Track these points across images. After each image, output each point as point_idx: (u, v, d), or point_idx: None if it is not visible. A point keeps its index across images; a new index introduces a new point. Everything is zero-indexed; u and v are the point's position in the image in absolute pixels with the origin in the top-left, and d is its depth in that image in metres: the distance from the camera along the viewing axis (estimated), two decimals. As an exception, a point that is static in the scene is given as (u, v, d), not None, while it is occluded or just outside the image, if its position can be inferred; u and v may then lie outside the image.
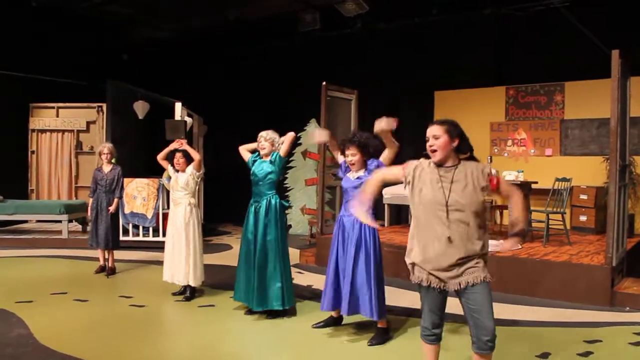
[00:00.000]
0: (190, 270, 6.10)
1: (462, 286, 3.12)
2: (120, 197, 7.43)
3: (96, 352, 4.38)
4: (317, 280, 6.83)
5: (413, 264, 3.26)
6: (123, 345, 4.62)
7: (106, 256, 7.41)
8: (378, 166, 4.77)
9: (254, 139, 5.61)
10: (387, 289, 4.94)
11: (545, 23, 9.41)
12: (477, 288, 3.11)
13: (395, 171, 3.38)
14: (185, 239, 6.12)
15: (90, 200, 7.37)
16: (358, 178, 4.80)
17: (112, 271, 7.39)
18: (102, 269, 7.40)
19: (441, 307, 3.28)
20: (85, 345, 4.55)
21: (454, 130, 3.14)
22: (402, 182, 3.31)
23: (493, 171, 3.20)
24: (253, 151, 5.65)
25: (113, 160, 7.42)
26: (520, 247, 3.29)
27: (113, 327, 5.11)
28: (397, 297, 6.12)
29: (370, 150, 4.84)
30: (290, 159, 11.80)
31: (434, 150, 3.14)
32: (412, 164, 3.28)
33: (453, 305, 3.46)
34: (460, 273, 3.11)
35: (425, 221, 3.16)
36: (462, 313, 3.24)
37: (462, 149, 3.19)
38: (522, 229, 3.30)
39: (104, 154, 7.35)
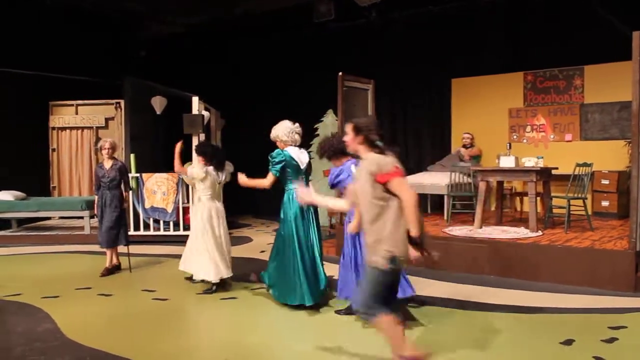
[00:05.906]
0: (211, 265, 6.05)
1: None
2: (129, 191, 7.14)
3: (122, 346, 4.44)
4: (337, 271, 6.81)
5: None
6: (148, 338, 4.69)
7: (114, 254, 7.28)
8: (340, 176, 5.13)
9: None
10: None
11: (562, 6, 9.27)
12: None
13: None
14: (208, 234, 6.11)
15: (95, 197, 7.16)
16: (337, 175, 5.15)
17: (116, 267, 7.28)
18: (108, 272, 7.11)
19: None
20: (111, 339, 4.62)
21: None
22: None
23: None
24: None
25: (115, 155, 7.26)
26: (435, 258, 3.18)
27: (137, 321, 5.19)
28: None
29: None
30: (309, 150, 11.79)
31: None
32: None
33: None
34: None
35: None
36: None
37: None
38: (416, 237, 3.24)
39: (105, 149, 7.06)
